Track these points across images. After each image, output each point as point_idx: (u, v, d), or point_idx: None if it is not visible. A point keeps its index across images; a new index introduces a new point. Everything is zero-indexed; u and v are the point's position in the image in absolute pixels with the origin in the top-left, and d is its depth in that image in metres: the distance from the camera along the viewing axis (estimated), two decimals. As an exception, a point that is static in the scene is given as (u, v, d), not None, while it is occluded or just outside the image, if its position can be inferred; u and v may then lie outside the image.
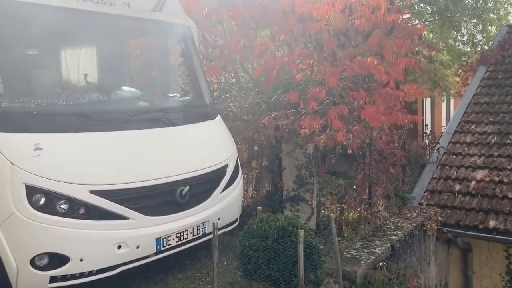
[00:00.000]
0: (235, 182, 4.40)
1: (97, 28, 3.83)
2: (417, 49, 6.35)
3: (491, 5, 12.38)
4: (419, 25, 6.28)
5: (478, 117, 8.56)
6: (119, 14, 3.87)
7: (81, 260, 3.17)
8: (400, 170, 6.52)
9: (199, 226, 3.91)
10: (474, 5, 11.66)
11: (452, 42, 12.28)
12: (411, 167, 7.75)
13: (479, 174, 7.18)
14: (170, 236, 3.65)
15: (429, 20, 11.31)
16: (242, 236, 3.41)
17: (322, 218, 5.35)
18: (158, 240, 3.56)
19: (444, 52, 12.16)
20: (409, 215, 6.10)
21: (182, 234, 3.75)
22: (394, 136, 6.33)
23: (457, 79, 12.37)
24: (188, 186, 3.75)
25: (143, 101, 4.19)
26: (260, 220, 3.41)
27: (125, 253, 3.37)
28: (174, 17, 4.44)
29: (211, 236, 3.74)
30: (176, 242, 3.71)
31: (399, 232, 5.31)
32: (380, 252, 4.68)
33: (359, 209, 5.50)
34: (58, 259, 3.11)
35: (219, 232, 3.66)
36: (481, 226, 6.34)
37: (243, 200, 4.95)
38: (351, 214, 5.51)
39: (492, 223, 6.30)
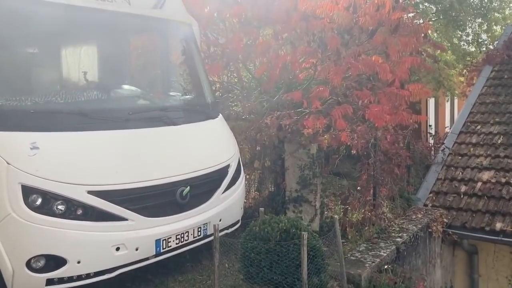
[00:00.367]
0: (237, 183, 4.31)
1: (97, 25, 3.74)
2: (421, 48, 6.26)
3: (496, 4, 12.26)
4: (424, 24, 6.16)
5: (484, 117, 8.44)
6: (119, 11, 3.78)
7: (79, 262, 3.09)
8: (405, 171, 6.42)
9: (200, 227, 3.82)
10: (479, 4, 11.53)
11: (457, 42, 12.15)
12: (415, 168, 7.64)
13: (485, 175, 7.07)
14: (170, 237, 3.56)
15: (433, 19, 11.20)
16: (244, 238, 3.32)
17: (326, 219, 5.25)
18: (157, 242, 3.47)
19: (449, 52, 12.04)
20: (414, 216, 6.00)
21: (182, 235, 3.66)
22: (398, 136, 6.23)
23: (462, 79, 12.25)
24: (188, 187, 3.67)
25: (143, 99, 4.10)
26: (263, 222, 3.32)
27: (124, 255, 3.29)
28: (175, 14, 4.35)
29: (212, 238, 3.65)
30: (177, 244, 3.63)
31: (404, 234, 5.21)
32: (385, 254, 4.58)
33: (363, 210, 5.39)
34: (55, 261, 3.04)
35: (220, 234, 3.57)
36: (487, 228, 6.22)
37: (245, 201, 4.87)
38: (355, 216, 5.41)
39: (499, 225, 6.19)
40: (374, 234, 5.10)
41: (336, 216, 3.87)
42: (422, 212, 6.22)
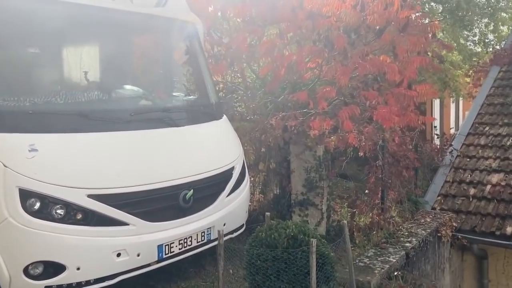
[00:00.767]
0: (242, 186, 4.20)
1: (97, 23, 3.64)
2: (428, 48, 6.13)
3: (503, 4, 12.08)
4: (433, 23, 6.02)
5: (492, 118, 8.29)
6: (120, 9, 3.68)
7: (78, 268, 2.98)
8: (413, 173, 6.27)
9: (204, 232, 3.71)
10: (486, 3, 11.37)
11: (463, 42, 11.99)
12: (423, 170, 7.49)
13: (495, 178, 6.91)
14: (173, 243, 3.45)
15: (439, 19, 11.04)
16: (249, 245, 3.19)
17: (332, 223, 5.12)
18: (160, 247, 3.36)
19: (455, 52, 11.88)
20: (422, 220, 5.85)
21: (185, 241, 3.55)
22: (406, 138, 6.09)
23: (468, 79, 12.09)
24: (192, 190, 3.56)
25: (145, 100, 3.99)
26: (269, 228, 3.19)
27: (125, 261, 3.18)
28: (178, 13, 4.25)
29: (216, 242, 3.53)
30: (179, 249, 3.51)
31: (413, 239, 5.07)
32: (394, 260, 4.44)
33: (371, 214, 5.25)
34: (53, 268, 2.93)
35: (224, 238, 3.45)
36: (498, 233, 6.07)
37: (250, 203, 4.74)
38: (362, 219, 5.27)
39: (509, 229, 6.03)
40: (382, 239, 4.97)
41: (344, 221, 3.73)
42: (430, 216, 6.08)
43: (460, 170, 7.30)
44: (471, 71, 11.65)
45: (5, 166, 2.84)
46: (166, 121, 3.71)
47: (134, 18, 3.87)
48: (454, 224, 6.14)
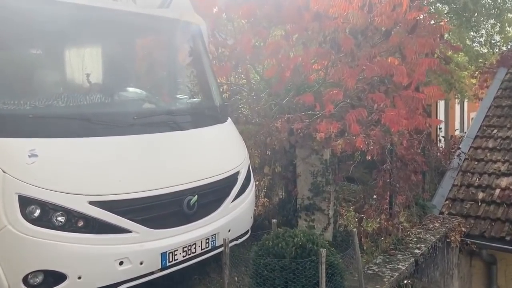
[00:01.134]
0: (247, 191, 4.09)
1: (100, 24, 3.55)
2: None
3: (510, 5, 11.92)
4: (442, 24, 5.91)
5: (500, 121, 8.17)
6: (123, 10, 3.58)
7: (79, 278, 2.89)
8: (421, 177, 6.15)
9: (208, 239, 3.60)
10: (492, 4, 11.22)
11: (470, 43, 11.84)
12: (430, 173, 7.36)
13: (504, 182, 6.79)
14: (177, 250, 3.35)
15: (445, 20, 10.90)
16: (256, 254, 3.08)
17: (339, 228, 5.01)
18: (163, 255, 3.26)
19: (461, 53, 11.74)
20: (431, 225, 5.73)
21: (189, 248, 3.45)
22: (414, 141, 5.97)
23: (473, 81, 11.94)
24: (196, 196, 3.46)
25: (149, 103, 3.89)
26: (276, 236, 3.09)
27: (127, 270, 3.08)
28: (182, 14, 4.16)
29: (221, 249, 3.43)
30: (183, 256, 3.41)
31: (422, 245, 4.96)
32: (403, 268, 4.34)
33: (378, 219, 5.14)
34: (54, 277, 2.84)
35: (230, 245, 3.35)
36: (508, 238, 5.94)
37: (255, 208, 4.64)
38: (370, 225, 5.15)
39: (520, 235, 5.91)
40: (390, 245, 4.85)
41: (354, 229, 3.61)
42: (439, 221, 5.96)
43: (468, 174, 7.18)
44: (477, 72, 11.51)
45: (4, 172, 2.75)
46: (170, 124, 3.61)
47: (137, 19, 3.78)
48: (463, 229, 6.02)
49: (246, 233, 4.11)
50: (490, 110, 8.50)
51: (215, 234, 3.63)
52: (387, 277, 4.10)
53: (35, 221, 2.79)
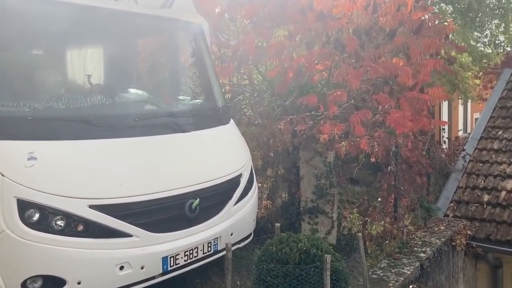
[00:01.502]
0: (250, 193, 4.03)
1: (101, 25, 3.49)
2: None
3: (515, 5, 11.80)
4: (448, 24, 5.83)
5: (506, 122, 8.07)
6: (124, 10, 3.53)
7: (79, 283, 2.84)
8: (425, 179, 6.07)
9: (210, 243, 3.54)
10: (497, 4, 11.12)
11: (474, 43, 11.74)
12: (435, 175, 7.27)
13: (509, 184, 6.71)
14: (178, 254, 3.30)
15: (449, 20, 10.81)
16: (259, 259, 3.02)
17: (343, 231, 4.93)
18: (165, 259, 3.21)
19: (465, 53, 11.64)
20: (436, 228, 5.66)
21: (191, 252, 3.39)
22: (418, 143, 5.89)
23: (477, 81, 11.84)
24: (198, 199, 3.41)
25: (150, 104, 3.84)
26: (280, 241, 3.02)
27: (128, 275, 3.03)
28: (184, 14, 4.10)
29: (223, 253, 3.37)
30: (185, 261, 3.36)
31: (428, 249, 4.88)
32: (409, 272, 4.26)
33: (383, 222, 5.06)
34: (53, 282, 2.79)
35: (232, 248, 3.29)
36: (514, 241, 5.86)
37: (257, 211, 4.58)
38: (374, 228, 5.08)
39: (527, 238, 5.82)
40: (395, 249, 4.78)
41: (359, 234, 3.54)
42: (444, 224, 5.88)
43: (473, 176, 7.10)
44: (481, 73, 11.41)
45: (2, 175, 2.71)
46: (171, 126, 3.56)
47: (139, 20, 3.73)
48: (469, 232, 5.95)
49: (248, 236, 4.05)
50: (495, 111, 8.41)
51: (217, 238, 3.58)
52: (392, 281, 4.03)
53: (34, 225, 2.74)
